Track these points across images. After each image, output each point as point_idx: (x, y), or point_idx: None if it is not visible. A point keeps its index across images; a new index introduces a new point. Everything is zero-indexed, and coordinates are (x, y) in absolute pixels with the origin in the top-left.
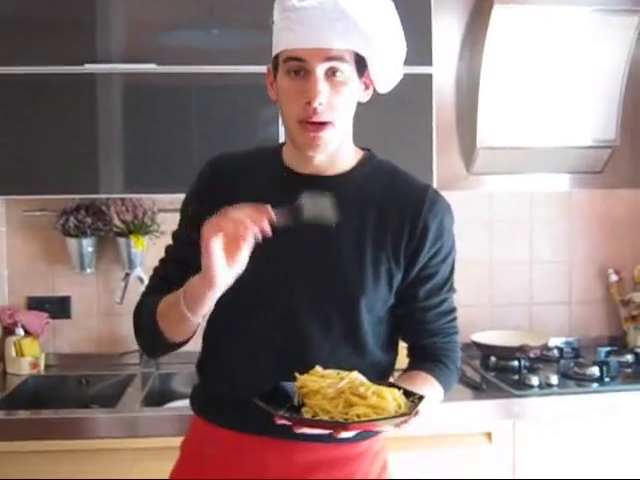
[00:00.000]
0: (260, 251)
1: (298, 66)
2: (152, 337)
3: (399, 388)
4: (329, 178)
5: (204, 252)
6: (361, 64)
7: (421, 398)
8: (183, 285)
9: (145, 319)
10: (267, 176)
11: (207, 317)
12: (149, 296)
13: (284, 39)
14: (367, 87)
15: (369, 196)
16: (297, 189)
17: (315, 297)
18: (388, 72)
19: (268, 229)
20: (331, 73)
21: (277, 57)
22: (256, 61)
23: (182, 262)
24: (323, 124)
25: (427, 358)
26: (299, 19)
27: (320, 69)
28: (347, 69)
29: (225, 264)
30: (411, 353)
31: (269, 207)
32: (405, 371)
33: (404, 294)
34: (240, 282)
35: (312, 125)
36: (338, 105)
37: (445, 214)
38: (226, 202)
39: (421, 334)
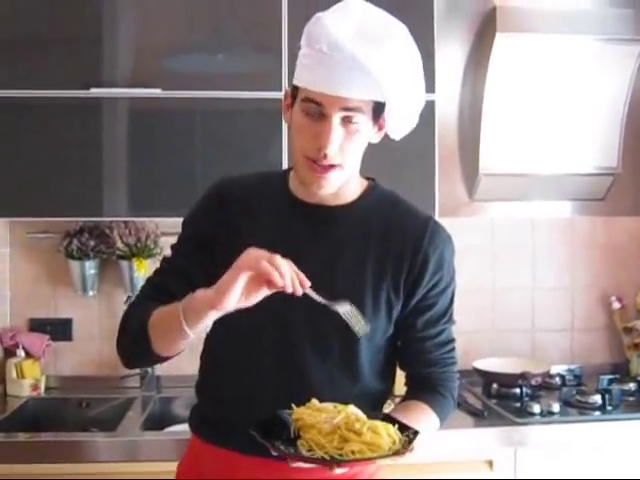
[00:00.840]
0: None
1: (316, 109)
2: (138, 345)
3: (394, 422)
4: (333, 208)
5: (230, 279)
6: (378, 110)
7: (416, 433)
8: (177, 297)
9: (134, 326)
10: (274, 203)
11: (204, 338)
12: (140, 304)
13: (306, 77)
14: (380, 129)
15: (371, 227)
16: (303, 218)
17: (314, 326)
18: (403, 121)
19: (298, 292)
20: (347, 120)
21: (297, 88)
22: (261, 87)
23: (180, 274)
24: (331, 166)
25: (424, 388)
26: (325, 63)
27: (336, 117)
28: (363, 119)
29: (239, 296)
30: (409, 382)
31: (307, 284)
32: (402, 400)
33: (403, 324)
34: (241, 310)
35: (319, 166)
36: (349, 150)
37: (446, 246)
38: (235, 227)
39: (419, 364)
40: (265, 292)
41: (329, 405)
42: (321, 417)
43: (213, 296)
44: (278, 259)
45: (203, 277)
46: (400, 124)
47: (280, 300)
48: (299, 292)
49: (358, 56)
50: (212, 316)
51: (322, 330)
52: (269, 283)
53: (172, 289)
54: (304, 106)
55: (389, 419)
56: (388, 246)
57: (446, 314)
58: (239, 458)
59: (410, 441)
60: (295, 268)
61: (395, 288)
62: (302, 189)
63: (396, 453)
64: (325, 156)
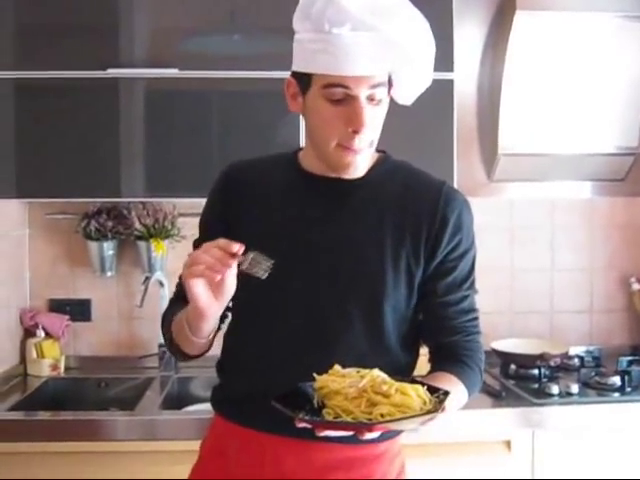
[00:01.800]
0: (281, 253)
1: (342, 93)
2: (174, 349)
3: (423, 385)
4: (347, 181)
5: (187, 292)
6: (390, 79)
7: (446, 393)
8: None
9: (166, 333)
10: (285, 181)
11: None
12: (170, 307)
13: (323, 63)
14: (388, 96)
15: (386, 196)
16: (317, 193)
17: (337, 297)
18: (416, 85)
19: (232, 267)
20: (371, 97)
21: (309, 75)
22: (277, 67)
23: None
24: (362, 148)
25: (449, 358)
26: (340, 44)
27: (364, 96)
28: (384, 91)
29: (211, 297)
30: (432, 356)
31: (236, 246)
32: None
33: (424, 290)
34: (262, 283)
35: (353, 150)
36: (376, 126)
37: (463, 208)
38: (245, 208)
39: (442, 332)
40: (230, 279)
41: (352, 370)
42: (345, 382)
43: (192, 310)
44: (199, 255)
45: None
46: (414, 88)
47: (300, 273)
48: (229, 266)
49: (378, 29)
50: (205, 325)
51: (346, 302)
52: (216, 276)
53: None
54: (327, 92)
55: (417, 383)
56: (405, 213)
57: (467, 280)
58: (264, 437)
59: (441, 401)
60: (221, 243)
61: (415, 254)
62: (316, 165)
63: (428, 412)
64: (360, 139)
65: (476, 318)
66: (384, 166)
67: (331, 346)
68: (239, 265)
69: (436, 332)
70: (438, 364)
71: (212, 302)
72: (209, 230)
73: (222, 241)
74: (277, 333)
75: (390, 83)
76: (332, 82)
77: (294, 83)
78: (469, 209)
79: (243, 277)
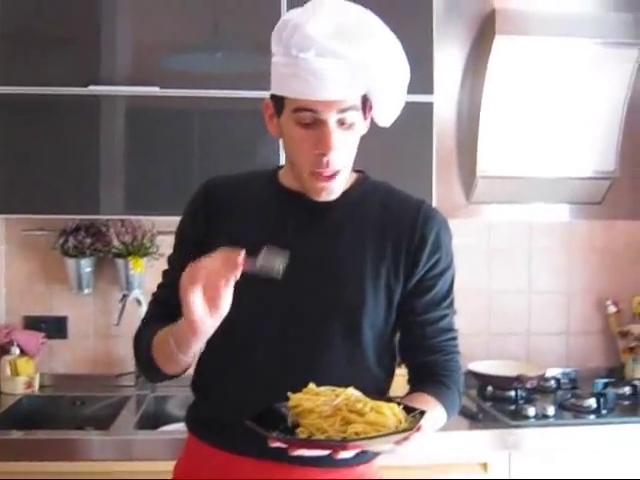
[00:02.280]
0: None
1: (310, 117)
2: (149, 368)
3: (399, 404)
4: (325, 201)
5: (183, 304)
6: (365, 102)
7: (423, 413)
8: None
9: (142, 350)
10: (264, 199)
11: None
12: (147, 325)
13: (293, 87)
14: (366, 119)
15: (365, 215)
16: (297, 210)
17: (316, 315)
18: (394, 106)
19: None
20: (342, 120)
21: (282, 98)
22: (259, 86)
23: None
24: (335, 173)
25: (427, 379)
26: (307, 69)
27: (332, 120)
28: (356, 115)
29: (207, 312)
30: (411, 376)
31: (242, 253)
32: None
33: (403, 308)
34: (239, 302)
35: (325, 176)
36: (348, 151)
37: (442, 227)
38: (224, 225)
39: (420, 351)
40: (228, 293)
41: (327, 389)
42: (320, 401)
43: (185, 324)
44: (204, 262)
45: None
46: (391, 110)
47: (278, 291)
48: (235, 273)
49: (344, 55)
50: (196, 341)
51: (325, 319)
52: (218, 286)
53: (174, 302)
54: (297, 116)
55: (392, 402)
56: (384, 232)
57: (446, 299)
58: (235, 459)
59: (417, 420)
60: (224, 253)
61: (395, 272)
62: (296, 183)
63: (404, 431)
64: (328, 163)
65: (455, 338)
66: (363, 186)
67: (309, 364)
68: (245, 272)
69: (415, 351)
70: (417, 384)
71: (207, 317)
72: (188, 245)
73: (225, 251)
74: (253, 353)
75: (368, 106)
76: (301, 106)
77: (271, 105)
78: (448, 228)
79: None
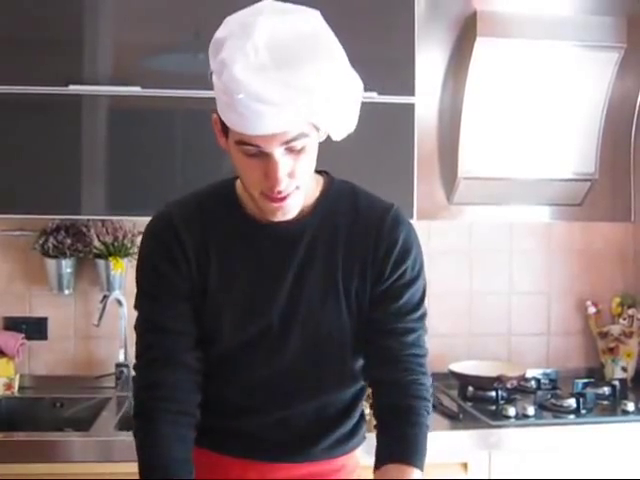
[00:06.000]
0: (246, 304)
1: (254, 150)
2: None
3: None
4: (292, 222)
5: None
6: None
7: None
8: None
9: (139, 450)
10: (232, 226)
11: None
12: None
13: (232, 120)
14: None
15: (335, 228)
16: (261, 238)
17: (303, 345)
18: (344, 124)
19: None
20: (290, 148)
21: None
22: None
23: (184, 318)
24: (288, 195)
25: (395, 424)
26: (244, 106)
27: (278, 151)
28: (306, 139)
29: None
30: (378, 414)
31: None
32: (378, 439)
33: (370, 318)
34: (220, 336)
35: (277, 198)
36: (301, 172)
37: (409, 235)
38: (199, 253)
39: (384, 365)
40: None
41: None
42: None
43: None
44: None
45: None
46: (341, 127)
47: (261, 324)
48: None
49: (280, 92)
50: None
51: (311, 349)
52: None
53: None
54: (240, 148)
55: None
56: (353, 244)
57: (415, 311)
58: (224, 458)
59: None
60: None
61: (362, 282)
62: (257, 209)
63: None
64: (279, 192)
65: (423, 356)
66: (330, 194)
67: (298, 388)
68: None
69: (378, 365)
70: (385, 431)
71: None
72: (176, 296)
73: None
74: (242, 383)
75: (317, 127)
76: (242, 140)
77: (218, 122)
78: (415, 236)
79: (214, 321)
